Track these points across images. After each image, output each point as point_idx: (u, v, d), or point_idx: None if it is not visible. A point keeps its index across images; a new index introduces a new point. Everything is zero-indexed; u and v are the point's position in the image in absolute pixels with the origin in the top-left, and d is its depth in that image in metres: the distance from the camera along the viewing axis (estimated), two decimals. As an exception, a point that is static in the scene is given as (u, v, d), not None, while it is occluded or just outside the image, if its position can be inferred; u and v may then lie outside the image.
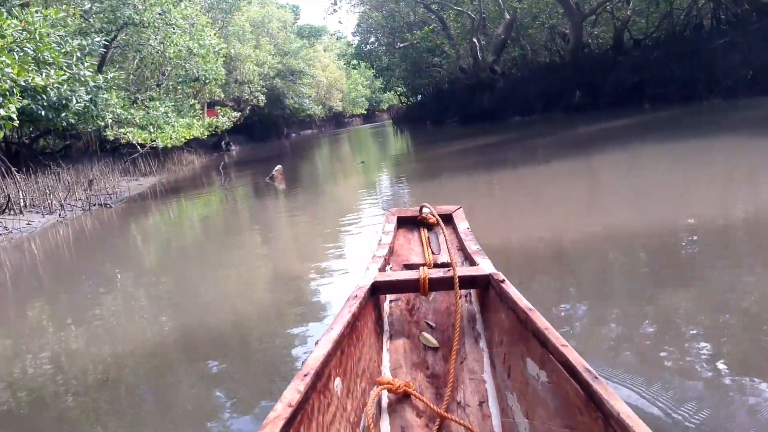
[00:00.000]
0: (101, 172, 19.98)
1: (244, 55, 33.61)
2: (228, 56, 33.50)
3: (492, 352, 2.04)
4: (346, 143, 31.44)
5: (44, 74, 16.44)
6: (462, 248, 2.78)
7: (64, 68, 16.64)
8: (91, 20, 21.42)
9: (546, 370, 1.58)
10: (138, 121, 23.22)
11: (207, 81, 27.28)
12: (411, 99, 40.98)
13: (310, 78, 48.58)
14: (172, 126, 24.00)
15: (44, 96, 16.82)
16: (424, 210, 3.13)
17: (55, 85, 16.98)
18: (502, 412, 1.78)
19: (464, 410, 1.80)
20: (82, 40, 18.43)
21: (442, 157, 12.47)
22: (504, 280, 2.07)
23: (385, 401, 1.84)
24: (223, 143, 39.06)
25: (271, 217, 8.49)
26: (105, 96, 21.61)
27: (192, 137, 24.33)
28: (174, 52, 25.57)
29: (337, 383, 1.65)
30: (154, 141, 22.26)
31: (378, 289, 2.22)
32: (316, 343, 1.67)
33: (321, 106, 55.73)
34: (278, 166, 12.91)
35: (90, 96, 19.33)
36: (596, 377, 1.35)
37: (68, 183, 16.26)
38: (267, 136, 49.36)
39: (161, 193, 15.14)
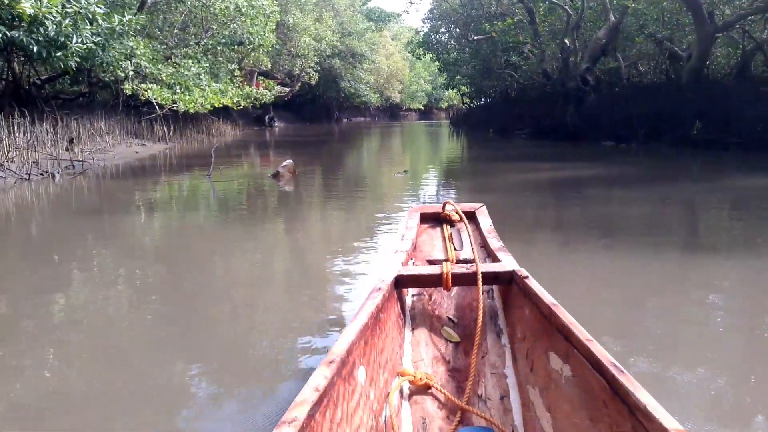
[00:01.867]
0: (102, 130, 16.50)
1: (302, 26, 29.83)
2: (284, 24, 29.85)
3: (514, 348, 2.00)
4: (396, 138, 27.48)
5: (35, 0, 12.90)
6: (485, 245, 2.71)
7: (68, -1, 13.10)
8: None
9: (570, 365, 1.55)
10: (164, 78, 19.71)
11: (253, 46, 23.59)
12: (474, 101, 36.56)
13: (371, 63, 44.69)
14: (202, 90, 20.43)
15: (40, 29, 13.25)
16: (447, 207, 3.02)
17: (54, 17, 13.45)
18: (523, 407, 1.73)
19: (485, 403, 1.78)
20: (98, -31, 14.66)
21: (511, 188, 8.16)
22: (528, 277, 2.04)
23: (406, 392, 1.82)
24: (266, 118, 35.61)
25: (232, 248, 4.65)
26: (124, 42, 18.05)
27: (221, 105, 20.65)
28: (220, 8, 21.95)
29: (361, 371, 1.61)
30: (175, 103, 18.72)
31: (401, 283, 2.18)
32: (341, 331, 1.61)
33: (378, 95, 51.81)
34: (288, 161, 9.11)
35: (100, 38, 15.71)
36: (622, 371, 1.32)
37: (43, 137, 12.69)
38: (316, 117, 45.82)
39: (148, 168, 11.52)
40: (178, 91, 19.41)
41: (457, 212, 2.95)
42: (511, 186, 8.54)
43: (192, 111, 18.89)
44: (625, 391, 1.26)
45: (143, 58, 18.90)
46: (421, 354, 2.04)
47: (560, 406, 1.55)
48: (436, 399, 1.80)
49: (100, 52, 15.33)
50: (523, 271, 2.11)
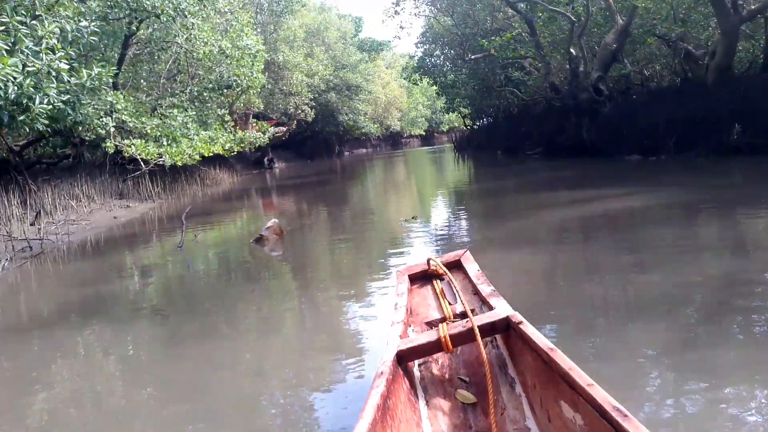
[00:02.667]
0: (82, 195, 15.10)
1: (292, 63, 28.63)
2: (273, 63, 28.68)
3: (529, 397, 1.93)
4: (399, 169, 26.02)
5: (-13, 60, 11.65)
6: (477, 292, 2.66)
7: (26, 56, 11.90)
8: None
9: (580, 413, 1.53)
10: (150, 131, 18.37)
11: (242, 88, 22.28)
12: (476, 122, 35.08)
13: (368, 94, 43.52)
14: (190, 139, 19.06)
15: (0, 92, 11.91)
16: (432, 263, 2.97)
17: (14, 79, 12.05)
18: None
19: None
20: (63, 22, 13.35)
21: (540, 236, 6.70)
22: (522, 322, 2.02)
23: None
24: (265, 160, 34.33)
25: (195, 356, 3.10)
26: (101, 98, 16.82)
27: (212, 153, 19.23)
28: (204, 53, 20.70)
29: None
30: (161, 157, 17.32)
31: (403, 357, 2.11)
32: None
33: (377, 125, 50.59)
34: (273, 221, 7.58)
35: (69, 96, 14.37)
36: (625, 415, 1.33)
37: (8, 211, 11.27)
38: (317, 154, 44.57)
39: (120, 239, 10.02)
40: (165, 143, 18.05)
41: (440, 266, 2.87)
42: (539, 232, 6.88)
43: (179, 164, 17.46)
44: None
45: (125, 113, 17.63)
46: (440, 426, 1.95)
47: None
48: None
49: (70, 111, 14.00)
50: (517, 316, 2.08)
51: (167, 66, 22.47)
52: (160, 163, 17.54)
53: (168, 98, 20.73)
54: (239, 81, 21.51)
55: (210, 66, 21.68)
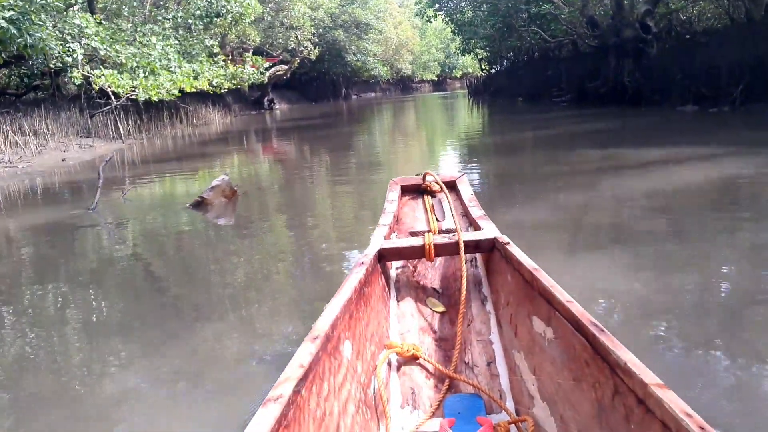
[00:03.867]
0: (36, 131, 12.84)
1: (294, -7, 25.63)
2: (274, -8, 25.72)
3: (498, 314, 1.99)
4: (408, 115, 23.46)
5: None
6: (466, 214, 2.64)
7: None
8: None
9: (552, 327, 1.55)
10: (125, 61, 15.88)
11: (233, 17, 19.52)
12: (494, 66, 32.03)
13: (378, 33, 40.28)
14: (171, 72, 16.55)
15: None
16: (428, 178, 2.90)
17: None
18: (509, 371, 1.74)
19: (472, 370, 1.77)
20: None
21: (589, 226, 4.27)
22: (509, 243, 2.01)
23: (394, 364, 1.79)
24: (265, 100, 31.69)
25: None
26: (67, 20, 14.38)
27: (194, 89, 16.75)
28: (189, -28, 17.93)
29: (346, 346, 1.57)
30: (135, 90, 14.91)
31: (384, 256, 2.13)
32: (325, 307, 1.54)
33: (387, 67, 47.35)
34: (221, 178, 5.31)
35: (13, 13, 11.98)
36: (602, 330, 1.31)
37: None
38: (323, 96, 41.75)
39: (46, 188, 7.75)
40: (141, 75, 15.58)
41: (437, 182, 2.80)
42: (589, 215, 4.56)
43: (155, 99, 15.04)
44: (605, 350, 1.24)
45: (95, 39, 15.12)
46: (407, 325, 2.01)
47: (544, 368, 1.54)
48: (424, 369, 1.78)
49: (15, 32, 11.57)
50: (504, 238, 2.08)
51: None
52: (133, 97, 15.21)
53: (149, 25, 18.10)
54: (229, 7, 18.77)
55: (197, -11, 18.95)
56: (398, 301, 2.13)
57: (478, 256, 2.32)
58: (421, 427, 1.57)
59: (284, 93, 38.73)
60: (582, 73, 15.73)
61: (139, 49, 16.44)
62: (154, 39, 16.81)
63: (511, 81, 24.01)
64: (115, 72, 15.05)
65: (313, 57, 30.44)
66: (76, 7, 15.81)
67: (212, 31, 23.25)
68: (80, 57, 14.92)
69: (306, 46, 28.37)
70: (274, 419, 1.05)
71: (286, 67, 31.17)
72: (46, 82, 18.87)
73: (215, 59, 20.30)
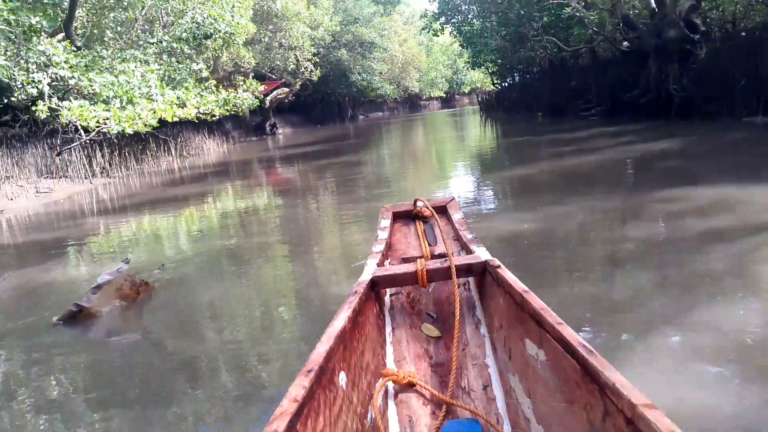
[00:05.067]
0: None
1: (292, 11, 23.75)
2: (270, 12, 23.90)
3: (492, 337, 1.97)
4: (418, 134, 21.37)
5: None
6: (458, 238, 2.63)
7: None
8: None
9: (544, 349, 1.54)
10: (100, 91, 14.00)
11: (220, 35, 17.58)
12: (507, 80, 29.86)
13: (383, 51, 38.45)
14: (151, 100, 14.63)
15: None
16: (419, 203, 2.91)
17: None
18: (506, 394, 1.72)
19: (469, 395, 1.75)
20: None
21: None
22: (500, 266, 2.00)
23: (391, 392, 1.76)
24: (267, 125, 29.82)
25: None
26: (33, 48, 12.64)
27: (177, 119, 14.78)
28: (171, -9, 16.18)
29: (341, 377, 1.55)
30: (105, 123, 12.99)
31: (377, 284, 2.11)
32: (319, 339, 1.51)
33: (394, 86, 45.44)
34: (120, 267, 3.11)
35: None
36: (591, 351, 1.31)
37: None
38: (328, 118, 39.87)
39: None
40: (117, 105, 13.66)
41: (428, 207, 2.85)
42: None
43: (128, 131, 13.05)
44: (594, 371, 1.25)
45: (63, 67, 13.25)
46: (403, 353, 1.98)
47: (538, 391, 1.54)
48: (421, 396, 1.76)
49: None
50: (495, 261, 2.05)
51: (136, 12, 18.04)
52: (104, 130, 13.26)
53: (131, 51, 16.24)
54: (217, 27, 16.87)
55: (181, 9, 17.12)
56: (393, 328, 2.10)
57: (470, 279, 2.29)
58: None
59: (288, 117, 36.91)
60: (614, 82, 13.53)
61: (117, 76, 14.54)
62: (133, 65, 14.89)
63: (526, 94, 21.83)
64: (86, 103, 13.13)
65: (315, 78, 28.56)
66: (44, 36, 13.94)
67: (205, 55, 21.46)
68: (46, 88, 13.08)
69: (306, 67, 26.45)
70: None
71: (287, 89, 29.34)
72: (7, 117, 17.01)
73: (205, 84, 18.39)
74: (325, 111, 40.32)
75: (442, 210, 2.95)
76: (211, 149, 20.46)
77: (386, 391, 1.74)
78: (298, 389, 1.27)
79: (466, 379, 1.80)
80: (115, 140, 14.57)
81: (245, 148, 22.51)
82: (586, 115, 14.35)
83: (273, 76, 28.25)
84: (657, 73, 11.51)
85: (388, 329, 2.08)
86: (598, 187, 6.23)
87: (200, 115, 16.95)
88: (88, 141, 13.43)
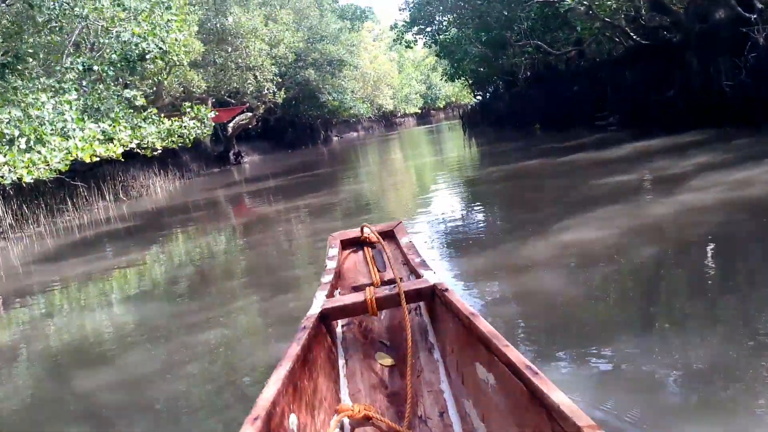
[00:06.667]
0: None
1: (247, 28, 20.73)
2: (223, 29, 20.88)
3: (446, 361, 1.92)
4: (395, 155, 18.42)
5: None
6: (407, 262, 2.56)
7: None
8: None
9: (493, 373, 1.51)
10: (2, 129, 10.91)
11: (153, 55, 14.41)
12: (488, 90, 27.09)
13: (353, 69, 35.60)
14: (65, 138, 11.48)
15: None
16: (366, 230, 2.83)
17: None
18: (462, 420, 1.67)
19: (426, 423, 1.69)
20: None
21: None
22: (447, 289, 1.96)
23: (348, 428, 1.68)
24: (231, 154, 26.66)
25: None
26: None
27: (95, 159, 11.55)
28: (90, 8, 13.21)
29: (292, 420, 1.49)
30: (-5, 172, 9.85)
31: (327, 316, 2.04)
32: (266, 383, 1.45)
33: (368, 104, 42.54)
34: None
35: None
36: (536, 372, 1.29)
37: None
38: (301, 142, 36.93)
39: None
40: (24, 145, 10.52)
41: (374, 233, 2.74)
42: None
43: (26, 179, 9.83)
44: (540, 393, 1.22)
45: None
46: (357, 385, 1.90)
47: (492, 416, 1.49)
48: (378, 429, 1.65)
49: None
50: (443, 285, 2.00)
51: (63, 35, 15.00)
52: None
53: (41, 79, 13.09)
54: (149, 47, 13.75)
55: (106, 27, 14.01)
56: (347, 360, 2.02)
57: (421, 304, 2.23)
58: None
59: (256, 143, 33.77)
60: (635, 83, 10.68)
61: (25, 110, 11.36)
62: (43, 96, 11.67)
63: (516, 105, 19.00)
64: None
65: (279, 100, 25.58)
66: None
67: (149, 81, 18.33)
68: None
69: (268, 88, 23.40)
70: None
71: (250, 114, 26.25)
72: None
73: (143, 114, 15.25)
74: (297, 135, 37.32)
75: (390, 235, 2.90)
76: (157, 189, 17.21)
77: (342, 428, 1.65)
78: None
79: (422, 407, 1.74)
80: (27, 189, 11.35)
81: (201, 183, 19.34)
82: (602, 125, 11.44)
83: (233, 102, 25.19)
84: (699, 67, 8.71)
85: (341, 362, 2.00)
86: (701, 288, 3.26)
87: (137, 150, 13.81)
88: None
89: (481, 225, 5.87)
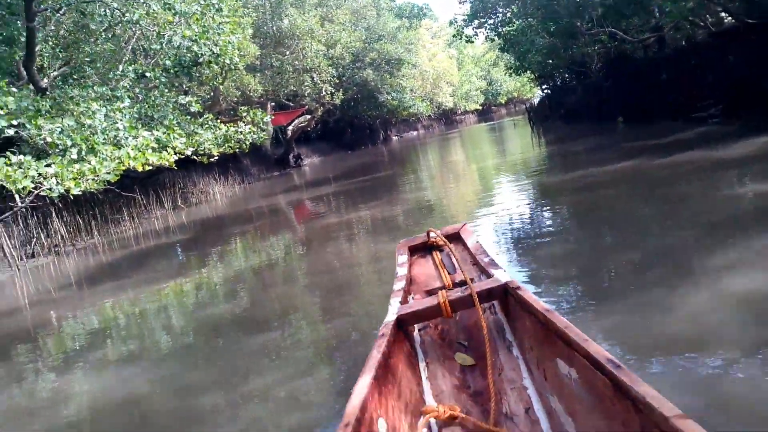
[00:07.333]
0: None
1: (303, 29, 20.04)
2: (278, 31, 20.31)
3: (526, 358, 1.88)
4: (457, 156, 17.21)
5: None
6: (476, 263, 2.58)
7: None
8: None
9: (575, 367, 1.49)
10: (52, 139, 10.57)
11: (217, 62, 13.86)
12: (558, 82, 25.32)
13: (412, 67, 34.51)
14: (118, 147, 11.05)
15: None
16: (432, 234, 2.88)
17: None
18: (548, 416, 1.62)
19: (512, 420, 1.66)
20: None
21: None
22: (519, 287, 1.95)
23: (435, 429, 1.67)
24: (290, 157, 26.12)
25: None
26: None
27: (149, 167, 11.02)
28: (141, 12, 12.80)
29: (381, 424, 1.50)
30: (42, 183, 9.44)
31: (404, 322, 2.06)
32: (352, 390, 1.46)
33: (427, 103, 41.33)
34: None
35: None
36: (618, 365, 1.27)
37: None
38: (360, 142, 36.34)
39: None
40: (77, 155, 10.12)
41: (440, 237, 2.76)
42: None
43: (73, 192, 9.34)
44: (625, 386, 1.21)
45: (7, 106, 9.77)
46: (440, 386, 1.90)
47: (578, 410, 1.48)
48: (465, 427, 1.65)
49: None
50: (515, 282, 2.00)
51: (121, 42, 14.77)
52: (45, 194, 9.70)
53: (95, 87, 12.74)
54: (200, 50, 13.18)
55: (158, 32, 13.55)
56: (427, 363, 2.02)
57: (495, 303, 2.22)
58: None
59: (316, 145, 33.32)
60: (740, 68, 9.02)
61: (77, 120, 10.99)
62: (95, 105, 11.26)
63: (591, 97, 17.30)
64: (27, 159, 9.54)
65: (337, 101, 24.80)
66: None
67: (206, 87, 17.95)
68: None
69: (326, 90, 22.65)
70: None
71: (309, 117, 25.65)
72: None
73: (199, 120, 14.77)
74: (356, 135, 36.71)
75: (456, 237, 2.88)
76: (217, 195, 16.76)
77: (429, 429, 1.65)
78: None
79: (507, 404, 1.72)
80: (73, 201, 10.97)
81: (262, 187, 18.82)
82: (703, 117, 9.77)
83: (291, 104, 24.67)
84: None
85: (422, 365, 2.02)
86: None
87: (194, 158, 13.30)
88: (26, 208, 9.83)
89: (590, 259, 4.19)
